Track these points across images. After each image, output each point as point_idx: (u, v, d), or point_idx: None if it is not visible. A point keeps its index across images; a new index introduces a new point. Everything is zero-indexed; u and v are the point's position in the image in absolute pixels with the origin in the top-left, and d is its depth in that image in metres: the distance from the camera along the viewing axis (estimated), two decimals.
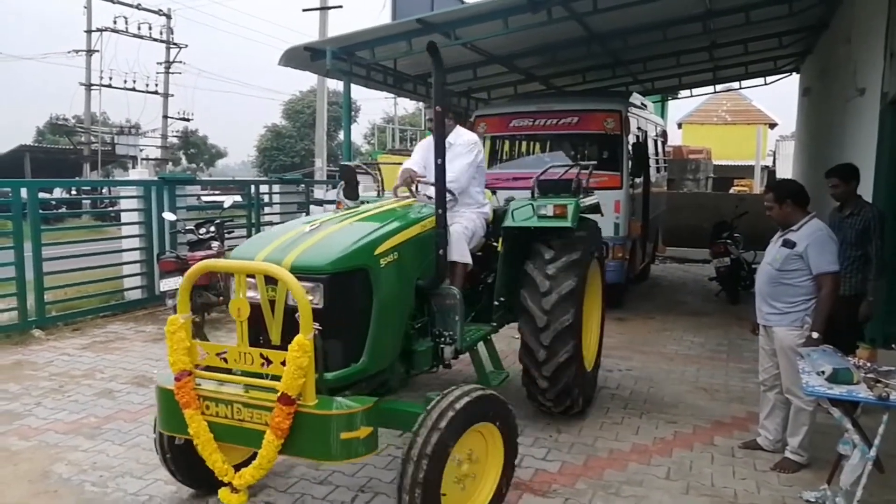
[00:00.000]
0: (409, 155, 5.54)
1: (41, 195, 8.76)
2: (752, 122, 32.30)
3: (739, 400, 5.73)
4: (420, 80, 12.15)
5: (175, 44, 32.92)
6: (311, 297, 3.09)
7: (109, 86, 31.89)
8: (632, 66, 12.89)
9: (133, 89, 32.08)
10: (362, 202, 4.68)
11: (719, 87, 17.87)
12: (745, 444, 4.74)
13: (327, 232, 3.61)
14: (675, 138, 29.26)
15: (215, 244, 8.27)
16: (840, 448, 3.62)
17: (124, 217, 10.09)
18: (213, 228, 8.48)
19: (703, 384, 6.18)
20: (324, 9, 21.25)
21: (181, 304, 3.26)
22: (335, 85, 26.87)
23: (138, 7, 30.68)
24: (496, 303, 4.99)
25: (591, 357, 5.56)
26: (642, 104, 10.91)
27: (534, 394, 4.94)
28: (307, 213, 10.61)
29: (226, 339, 7.01)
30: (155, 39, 31.83)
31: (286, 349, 2.98)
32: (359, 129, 49.24)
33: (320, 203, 11.57)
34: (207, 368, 3.28)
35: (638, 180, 9.42)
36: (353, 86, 10.82)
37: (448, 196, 4.36)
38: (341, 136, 24.80)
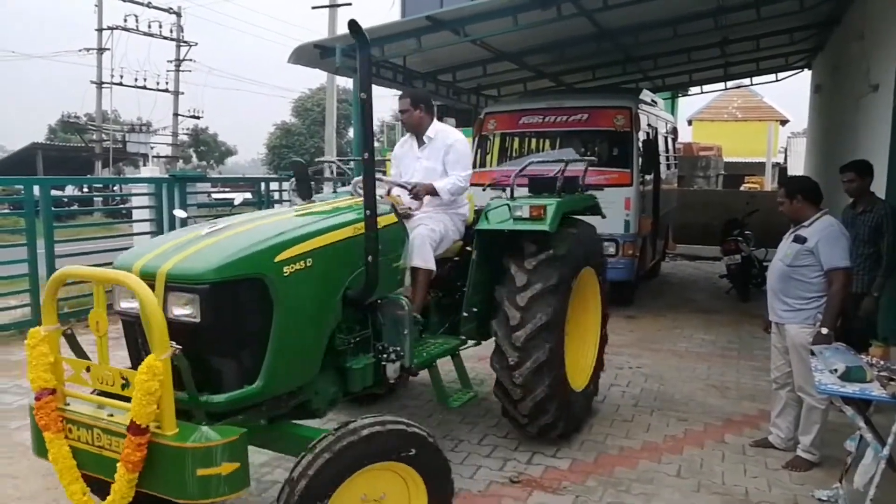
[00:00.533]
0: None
1: (53, 193, 8.81)
2: (763, 119, 32.11)
3: (751, 398, 5.71)
4: (430, 78, 12.14)
5: (185, 42, 33.07)
6: (187, 311, 2.84)
7: (120, 84, 32.04)
8: (642, 62, 12.83)
9: (144, 87, 32.26)
10: (311, 202, 4.33)
11: (730, 84, 17.76)
12: (757, 443, 4.72)
13: (225, 235, 3.19)
14: (686, 135, 29.15)
15: None
16: (847, 445, 3.60)
17: (135, 214, 10.15)
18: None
19: (714, 382, 6.16)
20: (333, 6, 21.29)
21: (45, 314, 2.92)
22: (345, 82, 26.90)
23: (149, 5, 30.81)
24: (465, 314, 4.47)
25: (585, 377, 5.02)
26: (652, 101, 10.87)
27: (507, 409, 4.52)
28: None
29: None
30: (165, 37, 31.96)
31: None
32: None
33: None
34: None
35: (648, 177, 9.39)
36: None
37: (436, 196, 4.31)
38: (351, 133, 24.85)
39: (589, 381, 5.06)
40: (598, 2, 8.41)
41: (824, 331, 4.07)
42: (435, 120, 4.66)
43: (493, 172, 9.28)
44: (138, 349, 3.04)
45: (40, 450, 2.91)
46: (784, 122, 34.35)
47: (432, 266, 4.16)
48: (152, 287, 2.75)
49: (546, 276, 4.27)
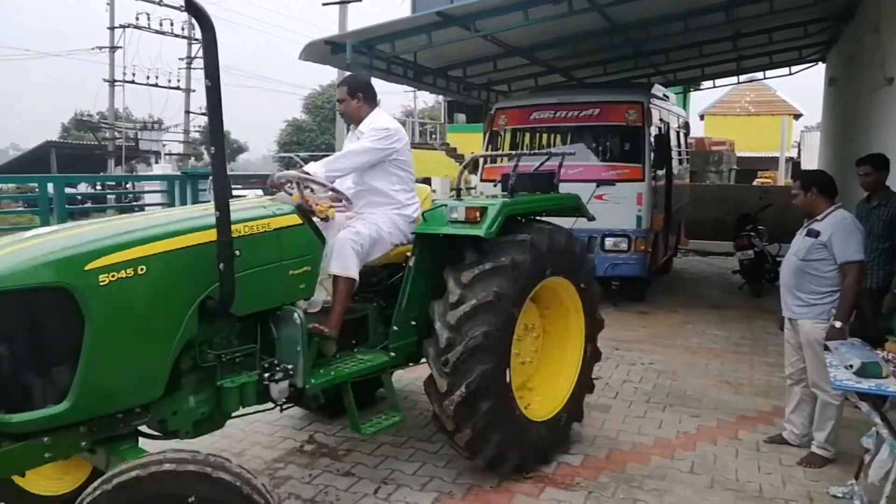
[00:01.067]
0: (429, 148, 5.30)
1: (67, 190, 8.89)
2: (776, 113, 31.86)
3: (764, 394, 5.68)
4: (441, 73, 12.13)
5: (197, 39, 33.09)
6: None
7: (133, 82, 32.18)
8: (654, 57, 12.75)
9: (156, 85, 32.38)
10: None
11: (742, 78, 17.59)
12: (771, 439, 4.69)
13: (46, 239, 2.89)
14: (698, 130, 28.95)
15: None
16: (864, 441, 3.58)
17: (148, 211, 10.22)
18: None
19: (727, 378, 6.13)
20: (343, 2, 21.28)
21: None
22: None
23: (160, 3, 30.94)
24: (395, 328, 3.97)
25: (556, 402, 4.42)
26: (664, 95, 10.81)
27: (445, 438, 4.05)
28: None
29: None
30: (177, 35, 32.07)
31: None
32: None
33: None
34: None
35: (660, 172, 9.35)
36: (373, 79, 10.81)
37: (335, 195, 3.83)
38: None
39: (564, 407, 4.42)
40: None
41: (837, 325, 4.05)
42: (377, 110, 4.17)
43: (504, 168, 9.27)
44: None
45: None
46: (797, 116, 34.06)
47: (352, 274, 3.71)
48: None
49: (481, 291, 3.74)
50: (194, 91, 33.67)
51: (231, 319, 3.22)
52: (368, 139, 3.96)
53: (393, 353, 3.96)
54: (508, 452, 3.93)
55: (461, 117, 30.37)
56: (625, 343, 7.22)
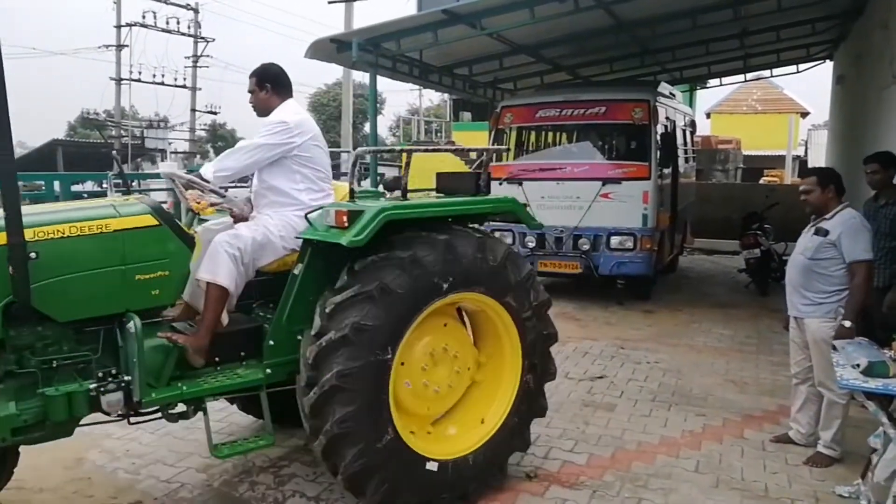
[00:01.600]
0: (435, 146, 5.13)
1: (73, 188, 8.92)
2: (783, 111, 31.69)
3: (770, 393, 5.65)
4: (447, 72, 12.12)
5: (202, 38, 33.26)
6: None
7: (139, 80, 32.29)
8: (660, 54, 12.72)
9: (162, 83, 32.49)
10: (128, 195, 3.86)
11: (749, 76, 17.52)
12: (777, 438, 4.67)
13: None
14: (704, 128, 28.86)
15: None
16: (871, 441, 3.56)
17: None
18: None
19: (732, 377, 6.11)
20: (349, 0, 21.28)
21: None
22: (361, 77, 26.90)
23: (166, 2, 31.04)
24: (271, 342, 3.53)
25: (483, 435, 3.82)
26: (671, 94, 10.79)
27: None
28: None
29: None
30: (183, 34, 32.21)
31: None
32: (384, 122, 49.49)
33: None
34: None
35: (666, 171, 9.33)
36: (378, 77, 10.83)
37: (214, 194, 3.63)
38: (367, 128, 24.89)
39: (493, 438, 3.82)
40: None
41: (847, 324, 4.02)
42: (287, 102, 3.84)
43: (510, 167, 9.27)
44: None
45: None
46: (805, 114, 33.90)
47: (221, 281, 3.37)
48: None
49: (340, 323, 3.21)
50: (200, 89, 33.85)
51: (58, 325, 3.07)
52: (261, 134, 3.65)
53: (269, 370, 3.52)
54: (373, 475, 3.36)
55: (467, 115, 30.32)
56: (630, 342, 7.21)
